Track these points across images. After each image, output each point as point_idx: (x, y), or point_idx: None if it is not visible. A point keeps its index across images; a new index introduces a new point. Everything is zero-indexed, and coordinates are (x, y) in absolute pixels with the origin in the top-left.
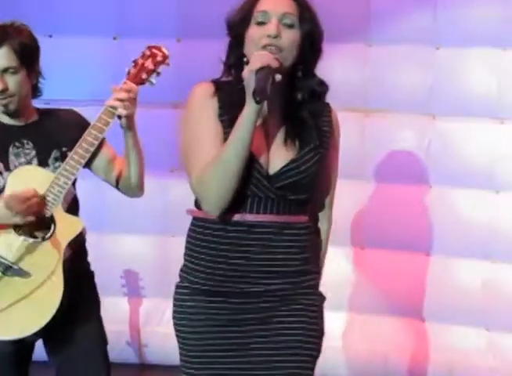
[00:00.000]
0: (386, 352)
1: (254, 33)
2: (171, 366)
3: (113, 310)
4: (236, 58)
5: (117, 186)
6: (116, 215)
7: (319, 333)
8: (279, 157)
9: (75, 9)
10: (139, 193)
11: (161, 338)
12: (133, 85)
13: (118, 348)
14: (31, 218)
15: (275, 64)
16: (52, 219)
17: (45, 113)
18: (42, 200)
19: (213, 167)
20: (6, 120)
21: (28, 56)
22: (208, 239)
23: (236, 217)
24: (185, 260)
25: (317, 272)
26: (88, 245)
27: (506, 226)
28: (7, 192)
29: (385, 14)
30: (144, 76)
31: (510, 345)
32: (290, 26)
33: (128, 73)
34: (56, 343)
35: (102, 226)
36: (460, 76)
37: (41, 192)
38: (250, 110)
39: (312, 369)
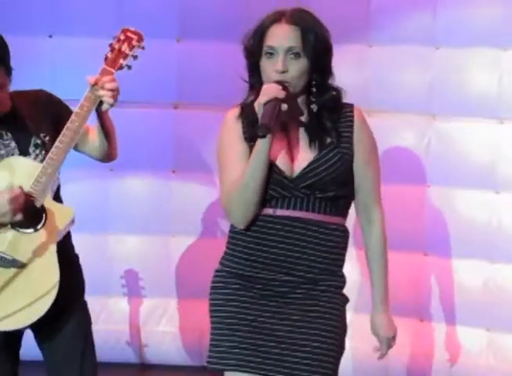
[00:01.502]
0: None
1: (265, 66)
2: (171, 366)
3: (113, 310)
4: (255, 80)
5: (91, 155)
6: (116, 215)
7: (341, 330)
8: (301, 159)
9: (75, 9)
10: (114, 158)
11: (161, 337)
12: (112, 75)
13: (118, 348)
14: (19, 217)
15: (281, 95)
16: (43, 209)
17: (16, 99)
18: (28, 197)
19: (235, 188)
20: None
21: (4, 54)
22: (242, 234)
23: (269, 211)
24: (226, 248)
25: (341, 276)
26: (89, 245)
27: (506, 226)
28: None
29: (385, 14)
30: (121, 61)
31: (510, 345)
32: (296, 56)
33: (106, 58)
34: (43, 330)
35: (103, 226)
36: (460, 76)
37: (30, 182)
38: (260, 145)
39: (334, 363)
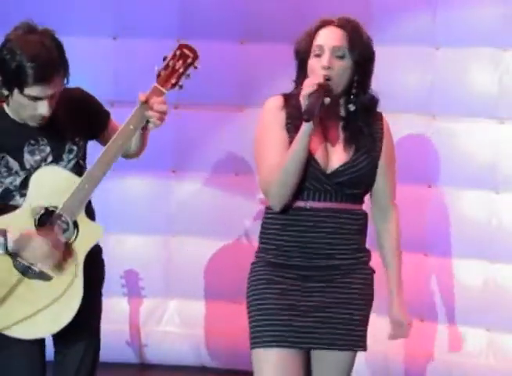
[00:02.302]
0: (386, 352)
1: (313, 64)
2: (171, 366)
3: (113, 310)
4: (301, 77)
5: None
6: (117, 215)
7: (371, 297)
8: (337, 158)
9: (75, 9)
10: (136, 157)
11: (161, 337)
12: (163, 95)
13: (118, 348)
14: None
15: (322, 82)
16: (75, 224)
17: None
18: (64, 248)
19: (276, 173)
20: (20, 120)
21: (67, 73)
22: (278, 222)
23: (301, 204)
24: (260, 239)
25: (367, 251)
26: None
27: (506, 226)
28: (29, 200)
29: (385, 14)
30: (174, 80)
31: (510, 345)
32: (341, 57)
33: (159, 75)
34: (61, 335)
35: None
36: (460, 76)
37: (65, 196)
38: (304, 128)
39: (364, 330)
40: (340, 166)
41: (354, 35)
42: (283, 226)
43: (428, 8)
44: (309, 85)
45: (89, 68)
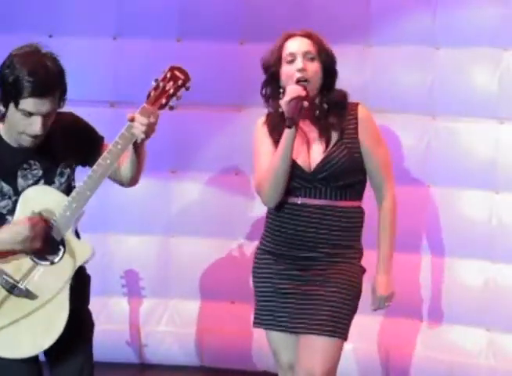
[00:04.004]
0: (386, 352)
1: (287, 70)
2: (171, 366)
3: (113, 310)
4: (272, 90)
5: (113, 178)
6: (116, 215)
7: (355, 291)
8: (316, 156)
9: (75, 9)
10: (136, 184)
11: (161, 337)
12: (155, 112)
13: (118, 348)
14: (38, 244)
15: (303, 94)
16: (62, 243)
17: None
18: (48, 225)
19: (266, 173)
20: (14, 143)
21: (63, 96)
22: (274, 218)
23: (294, 199)
24: (264, 230)
25: (359, 249)
26: None
27: (506, 226)
28: (17, 217)
29: (385, 14)
30: (164, 101)
31: (510, 345)
32: (312, 59)
33: (148, 95)
34: (53, 352)
35: (103, 227)
36: (460, 76)
37: (54, 215)
38: (287, 133)
39: (348, 318)
40: (319, 162)
41: (318, 42)
42: (279, 220)
43: (428, 8)
44: (290, 93)
45: (89, 68)
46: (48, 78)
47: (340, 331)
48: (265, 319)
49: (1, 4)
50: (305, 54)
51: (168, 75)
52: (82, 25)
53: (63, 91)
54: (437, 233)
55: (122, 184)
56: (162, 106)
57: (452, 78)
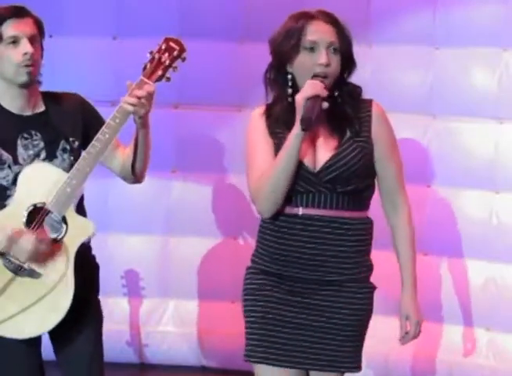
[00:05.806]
0: (386, 352)
1: (305, 60)
2: (171, 366)
3: (113, 310)
4: (278, 74)
5: (118, 173)
6: (116, 215)
7: (367, 316)
8: (323, 154)
9: (75, 9)
10: (141, 180)
11: (161, 337)
12: (150, 83)
13: (118, 348)
14: (38, 259)
15: (324, 94)
16: (64, 220)
17: (49, 100)
18: (51, 244)
19: (265, 180)
20: (14, 109)
21: (43, 30)
22: (270, 232)
23: (294, 210)
24: (256, 246)
25: (368, 266)
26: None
27: (506, 226)
28: (18, 196)
29: (385, 14)
30: (160, 72)
31: (510, 345)
32: (335, 51)
33: (144, 68)
34: (60, 340)
35: (103, 227)
36: (460, 76)
37: (54, 192)
38: (297, 133)
39: (357, 352)
40: (327, 161)
41: (342, 29)
42: (276, 234)
43: (428, 8)
44: (310, 89)
45: (89, 68)
46: (24, 7)
47: (357, 365)
48: (258, 350)
49: (2, 3)
50: (329, 45)
51: (163, 47)
52: (82, 25)
53: (42, 24)
54: (436, 233)
55: (125, 178)
56: (159, 78)
57: (452, 78)
